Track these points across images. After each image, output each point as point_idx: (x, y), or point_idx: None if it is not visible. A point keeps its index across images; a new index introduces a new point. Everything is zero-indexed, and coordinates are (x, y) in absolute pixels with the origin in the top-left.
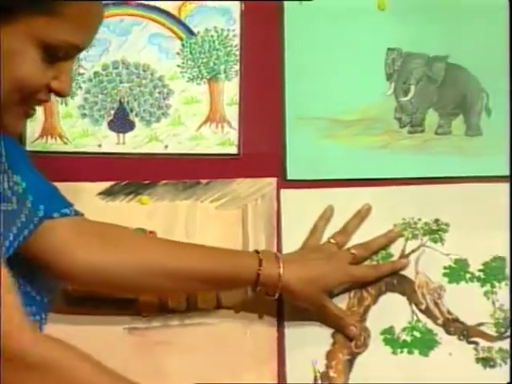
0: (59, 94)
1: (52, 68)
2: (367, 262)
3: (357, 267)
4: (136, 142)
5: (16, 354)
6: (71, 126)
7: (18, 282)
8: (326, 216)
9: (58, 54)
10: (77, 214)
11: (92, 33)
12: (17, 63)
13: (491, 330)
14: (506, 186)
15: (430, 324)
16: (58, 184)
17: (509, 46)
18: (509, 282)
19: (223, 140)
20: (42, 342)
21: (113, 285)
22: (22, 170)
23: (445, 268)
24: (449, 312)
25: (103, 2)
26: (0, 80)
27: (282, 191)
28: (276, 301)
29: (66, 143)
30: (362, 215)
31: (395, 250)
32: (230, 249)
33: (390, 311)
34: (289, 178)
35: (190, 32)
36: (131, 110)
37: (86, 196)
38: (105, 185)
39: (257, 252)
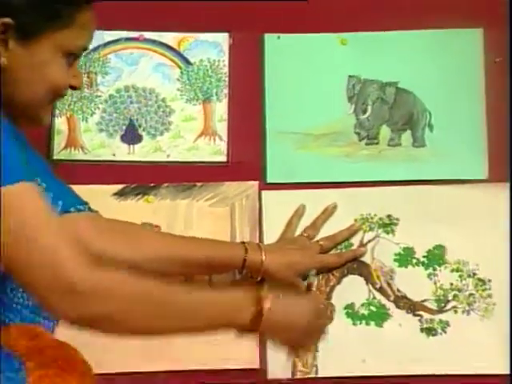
0: (76, 88)
1: (70, 69)
2: (333, 251)
3: (324, 256)
4: (143, 152)
5: (74, 287)
6: (90, 139)
7: None
8: (299, 213)
9: (74, 57)
10: (90, 210)
11: (93, 34)
12: (50, 71)
13: (433, 305)
14: (446, 187)
15: (383, 300)
16: (79, 186)
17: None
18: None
19: (215, 150)
20: (95, 269)
21: (120, 263)
22: (43, 174)
23: (395, 255)
24: (398, 290)
25: (117, 37)
26: (32, 85)
27: (263, 192)
28: (258, 282)
29: (86, 153)
30: (328, 212)
31: (355, 240)
32: (221, 240)
33: (351, 290)
34: (269, 181)
35: (188, 62)
36: (139, 126)
37: (102, 196)
38: (118, 187)
39: (243, 243)
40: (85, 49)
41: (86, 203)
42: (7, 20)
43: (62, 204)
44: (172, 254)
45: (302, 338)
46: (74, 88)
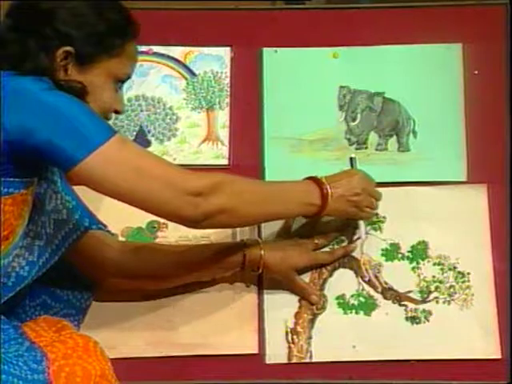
0: (120, 112)
1: (116, 94)
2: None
3: (318, 253)
4: None
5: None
6: None
7: (62, 292)
8: None
9: (120, 84)
10: (108, 231)
11: (136, 64)
12: (102, 94)
13: (417, 296)
14: (429, 188)
15: (371, 292)
16: None
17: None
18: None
19: (217, 154)
20: (201, 175)
21: (139, 279)
22: (71, 194)
23: (382, 250)
24: (385, 283)
25: None
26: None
27: None
28: (257, 275)
29: None
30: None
31: (346, 236)
32: (222, 242)
33: (342, 282)
34: None
35: (193, 73)
36: (149, 132)
37: None
38: None
39: (243, 240)
40: (129, 77)
41: (105, 225)
42: (69, 48)
43: (89, 221)
44: (181, 260)
45: (364, 199)
46: (117, 112)
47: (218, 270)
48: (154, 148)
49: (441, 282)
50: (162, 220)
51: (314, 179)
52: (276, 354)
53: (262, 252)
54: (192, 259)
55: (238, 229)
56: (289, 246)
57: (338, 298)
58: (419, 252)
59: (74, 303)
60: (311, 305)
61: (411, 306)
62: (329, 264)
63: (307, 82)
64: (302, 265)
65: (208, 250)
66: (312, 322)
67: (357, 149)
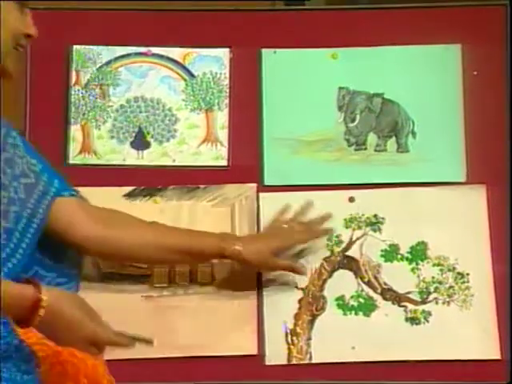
0: (32, 36)
1: (23, 17)
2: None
3: (295, 232)
4: (151, 157)
5: None
6: (103, 145)
7: (52, 261)
8: (282, 211)
9: (23, 6)
10: (81, 197)
11: None
12: (8, 16)
13: (416, 297)
14: (428, 189)
15: (371, 293)
16: (93, 188)
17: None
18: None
19: (216, 155)
20: None
21: (113, 254)
22: (36, 157)
23: (382, 251)
24: (385, 283)
25: (127, 52)
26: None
27: (261, 194)
28: (256, 276)
29: (98, 158)
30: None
31: (345, 237)
32: (200, 230)
33: (342, 283)
34: (266, 184)
35: (192, 75)
36: (148, 133)
37: (114, 197)
38: (128, 189)
39: (223, 233)
40: None
41: (77, 191)
42: None
43: (58, 183)
44: (157, 240)
45: (74, 342)
46: (30, 36)
47: (195, 259)
48: (154, 149)
49: (440, 282)
50: (162, 221)
51: (34, 290)
52: (276, 355)
53: (241, 248)
54: (169, 240)
55: (237, 229)
56: (267, 234)
57: (337, 299)
58: (418, 253)
59: (64, 271)
60: (310, 305)
61: (411, 306)
62: (328, 259)
63: (306, 83)
64: (277, 245)
65: (185, 236)
66: (311, 323)
67: (356, 150)
